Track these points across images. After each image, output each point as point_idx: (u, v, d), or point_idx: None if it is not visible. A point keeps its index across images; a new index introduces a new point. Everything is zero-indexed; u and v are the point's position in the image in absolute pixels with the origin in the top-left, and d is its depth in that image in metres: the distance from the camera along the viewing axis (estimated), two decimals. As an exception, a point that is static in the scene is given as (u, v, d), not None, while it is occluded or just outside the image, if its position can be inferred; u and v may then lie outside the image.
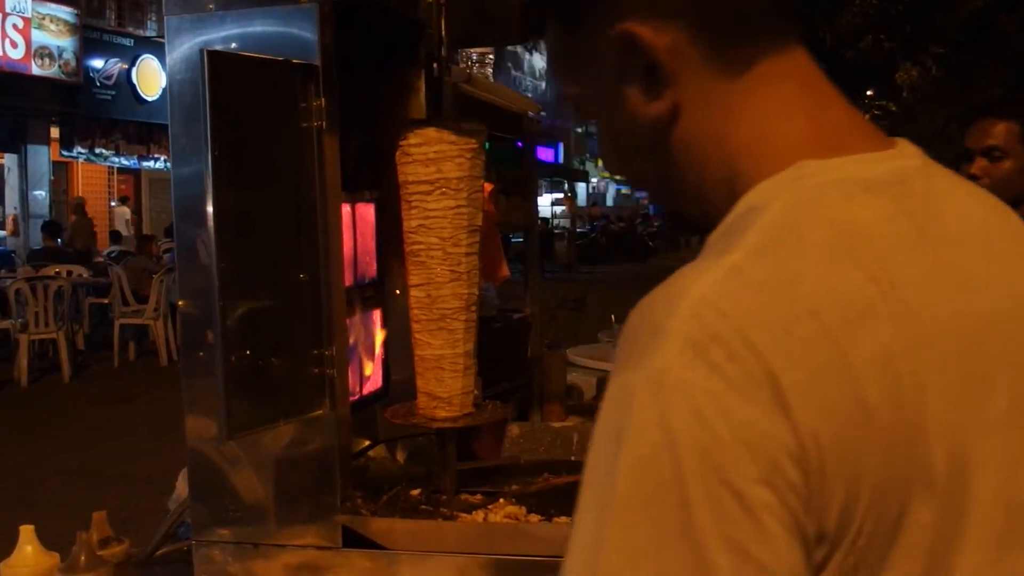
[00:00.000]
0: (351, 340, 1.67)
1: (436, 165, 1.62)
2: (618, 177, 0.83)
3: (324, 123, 1.49)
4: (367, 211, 1.83)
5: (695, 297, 0.64)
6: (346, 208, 1.73)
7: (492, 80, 2.71)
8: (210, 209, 1.34)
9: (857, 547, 0.64)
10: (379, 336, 1.85)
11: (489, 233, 2.24)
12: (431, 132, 1.62)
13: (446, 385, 1.65)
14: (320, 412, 1.50)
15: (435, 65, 1.89)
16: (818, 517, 0.62)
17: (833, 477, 0.62)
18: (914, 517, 0.66)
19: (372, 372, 1.82)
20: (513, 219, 2.70)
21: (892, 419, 0.65)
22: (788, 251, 0.66)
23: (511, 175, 2.66)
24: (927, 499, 0.66)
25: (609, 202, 43.49)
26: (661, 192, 0.82)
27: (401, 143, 1.62)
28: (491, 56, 2.88)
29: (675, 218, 0.83)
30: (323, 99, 1.48)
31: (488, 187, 2.26)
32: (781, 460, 0.61)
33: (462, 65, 2.62)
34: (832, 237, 0.67)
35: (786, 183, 0.69)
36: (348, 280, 1.68)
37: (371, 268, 1.83)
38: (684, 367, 0.62)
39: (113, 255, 12.72)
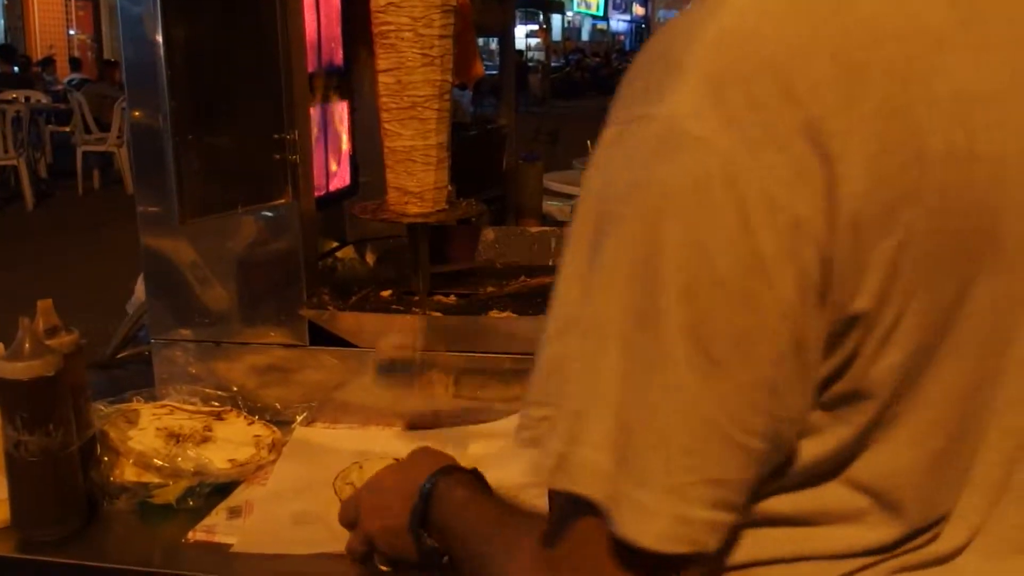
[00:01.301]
0: (315, 130, 1.55)
1: (406, -66, 1.46)
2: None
3: None
4: (330, -8, 1.67)
5: (718, 26, 0.53)
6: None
7: None
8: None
9: (903, 329, 0.54)
10: (345, 129, 1.72)
11: (464, 27, 2.09)
12: None
13: (417, 178, 1.54)
14: (283, 201, 1.39)
15: None
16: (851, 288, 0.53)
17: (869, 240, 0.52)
18: (975, 292, 0.55)
19: (339, 168, 1.70)
20: (487, 21, 2.53)
21: (954, 176, 0.53)
22: None
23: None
24: (989, 278, 0.55)
25: (584, 36, 42.38)
26: None
27: (366, -92, 1.46)
28: None
29: None
30: None
31: (462, -23, 2.09)
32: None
33: None
34: None
35: None
36: (311, 65, 1.54)
37: (336, 55, 1.68)
38: (694, 117, 0.51)
39: (73, 83, 12.28)
